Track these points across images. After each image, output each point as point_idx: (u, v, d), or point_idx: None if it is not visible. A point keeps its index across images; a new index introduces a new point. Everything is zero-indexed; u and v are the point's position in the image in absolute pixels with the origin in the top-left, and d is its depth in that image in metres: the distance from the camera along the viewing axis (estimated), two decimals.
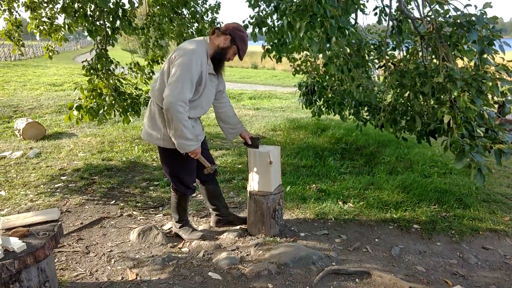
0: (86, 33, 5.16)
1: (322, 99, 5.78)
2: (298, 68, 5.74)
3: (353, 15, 4.36)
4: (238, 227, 3.48)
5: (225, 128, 3.26)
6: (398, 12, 4.17)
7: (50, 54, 6.16)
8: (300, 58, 5.81)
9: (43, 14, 5.66)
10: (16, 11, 5.72)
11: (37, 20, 5.61)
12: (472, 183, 4.47)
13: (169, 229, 3.49)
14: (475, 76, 2.84)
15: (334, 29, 3.23)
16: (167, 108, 2.66)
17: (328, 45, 3.44)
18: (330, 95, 5.49)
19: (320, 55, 4.05)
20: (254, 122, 8.22)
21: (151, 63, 6.39)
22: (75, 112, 5.17)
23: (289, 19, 3.36)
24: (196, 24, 6.08)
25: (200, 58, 2.76)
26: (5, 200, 4.07)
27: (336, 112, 5.54)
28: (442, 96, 3.18)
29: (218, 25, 6.10)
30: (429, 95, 3.18)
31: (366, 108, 4.88)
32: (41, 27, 5.70)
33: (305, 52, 5.35)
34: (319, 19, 3.18)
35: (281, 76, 22.47)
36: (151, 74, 6.37)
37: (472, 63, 3.16)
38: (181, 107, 2.65)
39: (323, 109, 6.05)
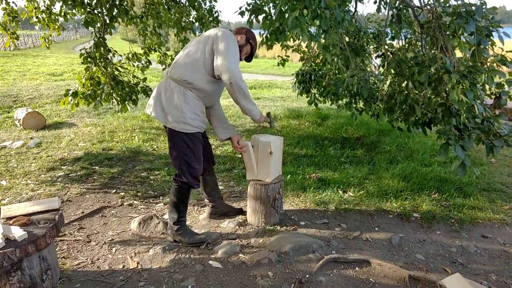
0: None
1: (317, 87, 5.75)
2: (284, 61, 5.73)
3: (352, 4, 4.32)
4: (238, 216, 3.49)
5: (219, 128, 3.15)
6: (398, 1, 4.12)
7: (48, 44, 6.11)
8: (292, 46, 5.77)
9: (41, 4, 5.60)
10: (13, 2, 5.65)
11: (35, 10, 5.55)
12: (471, 172, 4.47)
13: None
14: (471, 69, 2.82)
15: (328, 21, 3.19)
16: (230, 77, 2.62)
17: (323, 35, 3.40)
18: (325, 84, 5.47)
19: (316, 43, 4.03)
20: None
21: (147, 51, 6.35)
22: (70, 98, 5.16)
23: (282, 8, 3.33)
24: (194, 12, 6.04)
25: None
26: (6, 190, 4.08)
27: (333, 101, 5.52)
28: (438, 87, 3.16)
29: (216, 14, 6.08)
30: (425, 84, 3.16)
31: (362, 98, 4.85)
32: (40, 17, 5.64)
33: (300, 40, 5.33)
34: (312, 10, 3.13)
35: None
36: (147, 63, 6.35)
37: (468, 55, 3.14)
38: (240, 73, 2.66)
39: (318, 97, 6.03)
